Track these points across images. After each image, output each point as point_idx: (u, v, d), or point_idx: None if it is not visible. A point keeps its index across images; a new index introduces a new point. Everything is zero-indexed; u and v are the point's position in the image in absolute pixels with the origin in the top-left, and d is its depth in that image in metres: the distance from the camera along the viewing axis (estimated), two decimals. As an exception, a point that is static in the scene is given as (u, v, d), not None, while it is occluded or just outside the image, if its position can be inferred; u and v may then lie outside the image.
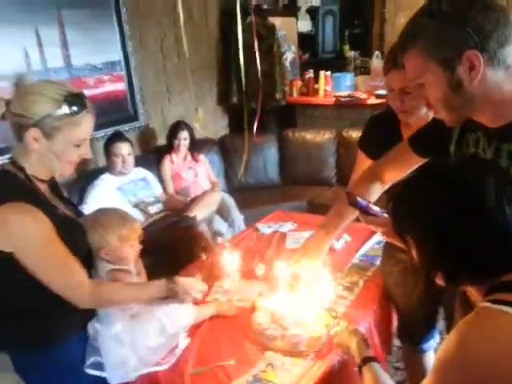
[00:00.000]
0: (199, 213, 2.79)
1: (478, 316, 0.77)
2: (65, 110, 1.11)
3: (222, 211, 3.05)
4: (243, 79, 3.08)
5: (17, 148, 1.18)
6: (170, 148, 3.19)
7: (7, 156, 2.34)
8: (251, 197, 3.43)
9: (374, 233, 2.04)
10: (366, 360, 1.13)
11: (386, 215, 1.23)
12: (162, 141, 3.42)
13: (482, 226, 0.77)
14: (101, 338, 1.26)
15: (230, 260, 1.69)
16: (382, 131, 1.44)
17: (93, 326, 1.28)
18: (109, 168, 2.76)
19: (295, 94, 4.11)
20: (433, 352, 1.65)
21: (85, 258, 1.25)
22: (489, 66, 0.85)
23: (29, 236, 1.10)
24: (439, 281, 0.85)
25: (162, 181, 3.13)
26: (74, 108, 1.12)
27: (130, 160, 2.77)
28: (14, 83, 1.18)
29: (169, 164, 3.17)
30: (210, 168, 3.41)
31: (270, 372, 1.23)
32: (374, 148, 1.45)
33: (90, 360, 1.26)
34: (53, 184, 1.28)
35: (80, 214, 1.37)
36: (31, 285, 1.13)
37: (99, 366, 1.25)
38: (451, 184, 0.81)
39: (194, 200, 2.96)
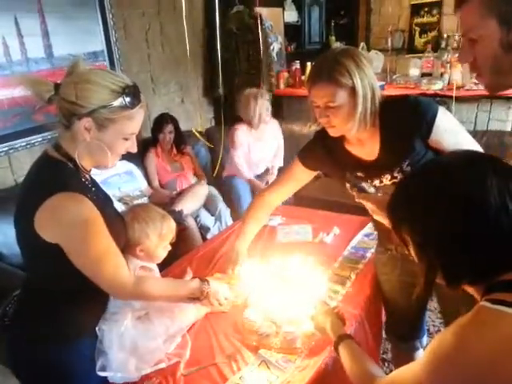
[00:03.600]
0: (186, 206, 2.75)
1: (476, 315, 0.76)
2: (121, 102, 1.07)
3: (209, 205, 3.02)
4: (219, 72, 3.01)
5: (63, 136, 1.12)
6: (154, 141, 3.13)
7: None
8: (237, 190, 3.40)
9: (363, 225, 2.04)
10: (341, 338, 1.13)
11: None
12: (146, 133, 3.35)
13: (485, 225, 0.75)
14: (105, 340, 1.23)
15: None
16: (325, 147, 1.45)
17: (100, 328, 1.25)
18: (92, 161, 2.69)
19: (282, 86, 4.08)
20: (422, 351, 1.66)
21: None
22: None
23: (81, 225, 1.05)
24: (439, 280, 0.84)
25: (146, 174, 3.08)
26: (130, 101, 1.08)
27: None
28: (67, 68, 1.11)
29: (154, 157, 3.12)
30: (196, 161, 3.37)
31: (263, 369, 1.21)
32: (313, 160, 1.50)
33: (99, 362, 1.23)
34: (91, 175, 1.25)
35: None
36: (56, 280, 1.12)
37: (105, 368, 1.23)
38: (452, 183, 0.78)
39: (180, 193, 2.92)
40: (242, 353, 1.29)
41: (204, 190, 3.00)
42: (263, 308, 1.40)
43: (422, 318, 1.67)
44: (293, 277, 1.44)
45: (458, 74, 3.71)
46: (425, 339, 1.66)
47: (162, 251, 1.36)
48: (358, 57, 1.23)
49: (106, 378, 1.22)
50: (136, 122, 1.13)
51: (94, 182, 1.22)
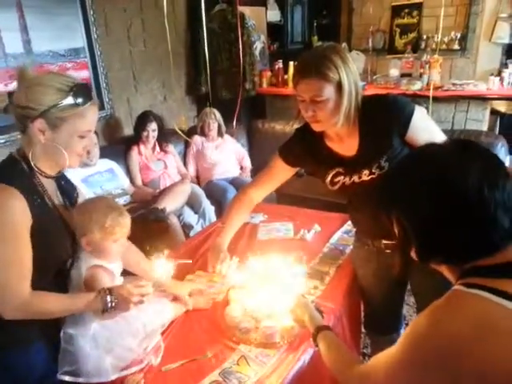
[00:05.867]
0: (169, 204, 2.75)
1: (449, 298, 0.80)
2: (70, 100, 1.10)
3: (193, 203, 3.02)
4: (202, 70, 3.02)
5: (22, 140, 1.17)
6: (137, 139, 3.12)
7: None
8: (221, 188, 3.41)
9: (343, 222, 2.08)
10: (320, 329, 1.16)
11: None
12: (128, 131, 3.34)
13: (461, 211, 0.79)
14: (76, 343, 1.20)
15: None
16: (305, 143, 1.48)
17: (65, 332, 1.22)
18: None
19: (265, 85, 4.11)
20: None
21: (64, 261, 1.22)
22: None
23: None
24: (413, 255, 0.89)
25: (128, 172, 3.07)
26: (80, 99, 1.12)
27: (96, 151, 2.69)
28: (16, 76, 1.14)
29: (137, 155, 3.11)
30: (179, 159, 3.37)
31: (243, 365, 1.23)
32: (293, 156, 1.53)
33: (64, 367, 1.21)
34: (61, 182, 1.27)
35: None
36: None
37: (73, 372, 1.20)
38: (435, 168, 0.83)
39: (163, 192, 2.92)
40: (222, 348, 1.30)
41: (187, 187, 3.00)
42: (243, 304, 1.41)
43: (399, 311, 1.72)
44: (272, 273, 1.46)
45: (437, 75, 3.79)
46: (403, 332, 1.70)
47: (112, 246, 1.26)
48: (344, 53, 1.28)
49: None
50: (88, 120, 1.16)
51: (60, 188, 1.26)
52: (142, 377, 1.21)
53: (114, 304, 1.17)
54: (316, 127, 1.36)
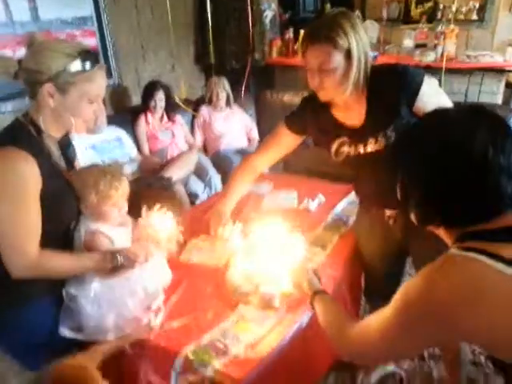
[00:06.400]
0: (175, 173, 2.78)
1: (444, 260, 0.81)
2: (78, 65, 1.13)
3: (199, 172, 3.04)
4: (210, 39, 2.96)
5: (31, 105, 1.19)
6: (145, 108, 3.11)
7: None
8: (228, 159, 3.42)
9: (347, 193, 2.08)
10: (317, 293, 1.19)
11: None
12: (136, 100, 3.33)
13: (464, 173, 0.80)
14: (78, 302, 1.24)
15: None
16: (312, 112, 1.46)
17: (67, 292, 1.26)
18: (81, 127, 2.68)
19: (274, 55, 4.03)
20: None
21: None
22: None
23: (11, 182, 1.09)
24: (413, 218, 0.90)
25: (136, 141, 3.08)
26: (88, 63, 1.15)
27: (103, 118, 2.68)
28: (26, 41, 1.16)
29: (144, 125, 3.11)
30: (187, 129, 3.37)
31: (241, 324, 1.26)
32: (300, 124, 1.52)
33: (65, 324, 1.25)
34: (64, 144, 1.28)
35: None
36: None
37: (75, 329, 1.25)
38: (443, 129, 0.84)
39: (170, 161, 2.93)
40: (222, 309, 1.33)
41: (194, 156, 3.01)
42: (244, 269, 1.44)
43: (399, 281, 1.73)
44: (273, 239, 1.47)
45: (452, 46, 3.68)
46: None
47: (111, 210, 1.29)
48: (355, 20, 1.25)
49: (70, 339, 1.24)
50: (97, 84, 1.18)
51: (63, 151, 1.27)
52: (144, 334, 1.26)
53: (122, 263, 1.23)
54: (323, 96, 1.34)
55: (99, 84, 1.19)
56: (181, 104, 3.01)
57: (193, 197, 2.89)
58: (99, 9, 3.02)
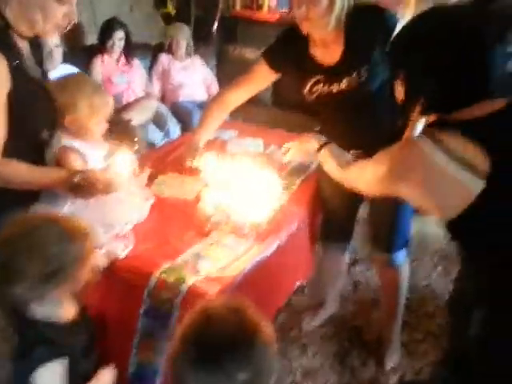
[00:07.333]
0: (134, 118, 2.70)
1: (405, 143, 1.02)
2: None
3: (158, 120, 2.97)
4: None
5: None
6: (101, 48, 2.96)
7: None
8: (187, 110, 3.36)
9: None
10: (323, 145, 1.34)
11: None
12: (91, 39, 3.15)
13: (463, 52, 0.86)
14: None
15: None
16: (289, 48, 1.50)
17: (36, 209, 1.21)
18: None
19: (238, 7, 3.92)
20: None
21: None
22: None
23: None
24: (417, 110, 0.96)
25: (91, 82, 2.93)
26: None
27: (57, 55, 2.53)
28: None
29: (100, 65, 2.96)
30: (145, 75, 3.25)
31: (214, 248, 1.31)
32: (278, 60, 1.54)
33: None
34: (36, 45, 1.20)
35: None
36: None
37: None
38: (454, 18, 0.90)
39: (129, 104, 2.84)
40: (195, 235, 1.37)
41: (153, 103, 2.94)
42: (216, 199, 1.47)
43: (352, 224, 1.84)
44: (243, 172, 1.51)
45: None
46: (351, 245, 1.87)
47: (96, 127, 1.26)
48: None
49: None
50: None
51: (35, 52, 1.20)
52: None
53: (79, 185, 1.14)
54: (305, 27, 1.37)
55: None
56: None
57: (151, 145, 2.83)
58: None
